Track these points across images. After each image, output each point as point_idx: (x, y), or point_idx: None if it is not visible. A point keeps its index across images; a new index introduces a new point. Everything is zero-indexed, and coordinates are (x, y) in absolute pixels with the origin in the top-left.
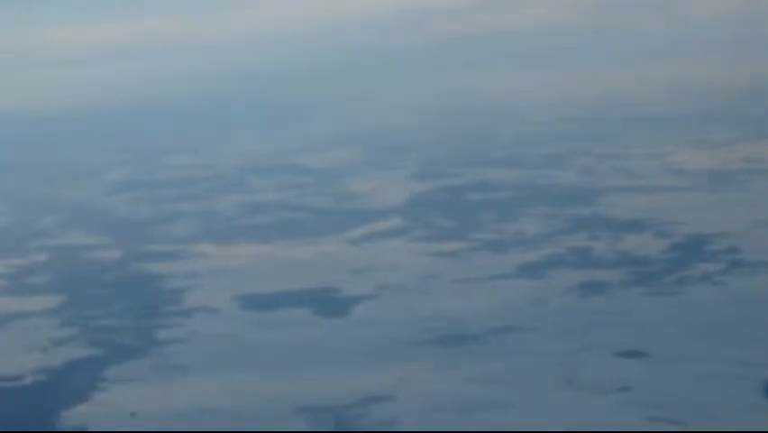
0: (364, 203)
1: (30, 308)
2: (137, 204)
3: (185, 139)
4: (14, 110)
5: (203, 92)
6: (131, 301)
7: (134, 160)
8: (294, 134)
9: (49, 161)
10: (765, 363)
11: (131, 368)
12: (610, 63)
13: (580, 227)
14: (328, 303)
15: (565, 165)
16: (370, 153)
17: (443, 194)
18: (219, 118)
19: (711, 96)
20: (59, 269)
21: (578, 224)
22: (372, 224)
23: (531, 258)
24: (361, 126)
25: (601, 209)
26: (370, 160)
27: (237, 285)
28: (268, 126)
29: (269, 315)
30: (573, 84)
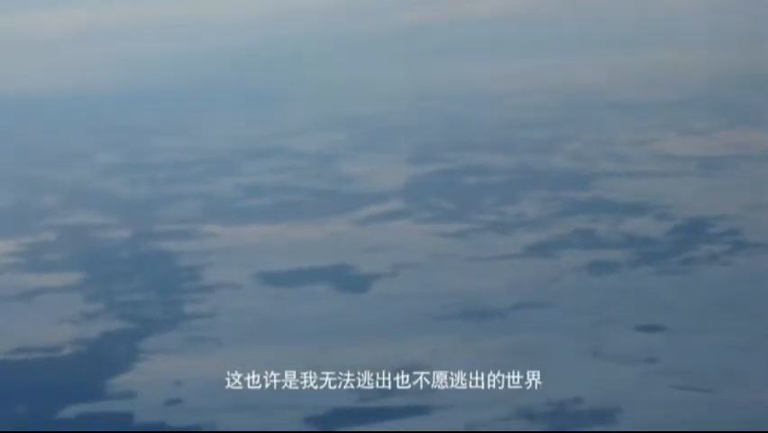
0: (362, 186)
1: (51, 284)
2: (133, 185)
3: (170, 121)
4: None
5: (185, 76)
6: (150, 278)
7: (121, 142)
8: (278, 118)
9: (34, 142)
10: None
11: (165, 340)
12: (589, 50)
13: (580, 210)
14: (347, 280)
15: (555, 150)
16: (358, 137)
17: (439, 177)
18: (202, 101)
19: (691, 83)
20: (72, 247)
21: (577, 207)
22: (374, 206)
23: (537, 238)
24: (344, 111)
25: (598, 193)
26: (359, 143)
27: (253, 263)
28: (251, 110)
29: (290, 290)
30: (554, 70)
